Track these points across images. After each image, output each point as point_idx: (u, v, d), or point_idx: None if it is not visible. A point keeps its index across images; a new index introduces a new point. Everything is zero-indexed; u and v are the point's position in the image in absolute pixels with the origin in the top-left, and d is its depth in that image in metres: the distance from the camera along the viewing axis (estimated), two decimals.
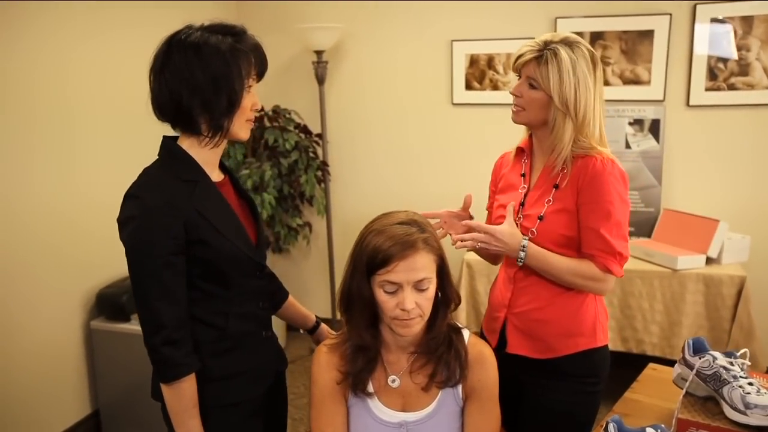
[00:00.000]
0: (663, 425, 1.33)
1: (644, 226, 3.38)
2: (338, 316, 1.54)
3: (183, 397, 1.43)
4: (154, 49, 1.46)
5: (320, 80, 3.77)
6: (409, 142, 3.87)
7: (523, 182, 1.77)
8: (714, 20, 3.19)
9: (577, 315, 1.70)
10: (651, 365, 1.91)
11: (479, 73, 3.64)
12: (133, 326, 2.88)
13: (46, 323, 2.81)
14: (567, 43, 1.61)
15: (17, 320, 2.69)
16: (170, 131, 1.52)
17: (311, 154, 3.80)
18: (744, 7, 3.13)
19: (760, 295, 3.14)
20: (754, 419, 1.41)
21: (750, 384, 1.46)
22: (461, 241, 1.65)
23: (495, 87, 3.63)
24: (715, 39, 3.21)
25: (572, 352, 1.69)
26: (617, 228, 1.62)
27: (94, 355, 3.01)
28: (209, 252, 1.45)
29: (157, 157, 1.51)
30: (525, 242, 1.64)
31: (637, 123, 3.37)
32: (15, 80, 2.61)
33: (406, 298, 1.36)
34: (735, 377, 1.48)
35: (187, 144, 1.49)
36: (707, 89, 3.27)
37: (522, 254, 1.64)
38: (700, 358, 1.54)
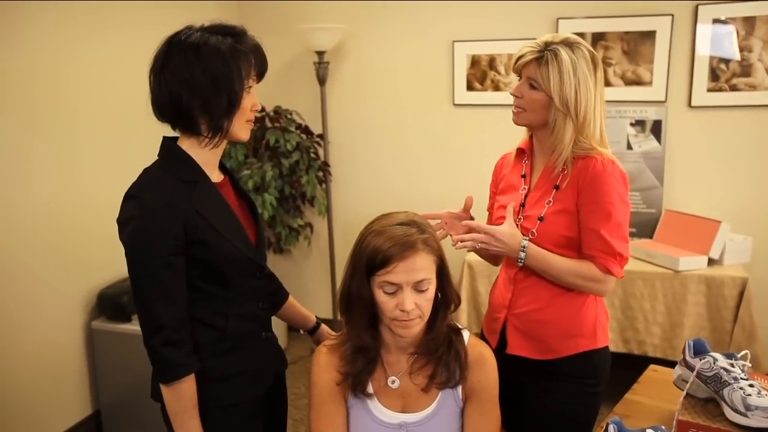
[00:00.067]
0: (663, 427, 1.32)
1: (646, 227, 3.38)
2: (339, 316, 1.54)
3: (182, 397, 1.43)
4: (154, 50, 1.46)
5: (321, 81, 3.77)
6: (410, 142, 3.86)
7: (523, 183, 1.77)
8: (716, 21, 3.19)
9: (578, 316, 1.70)
10: (652, 366, 1.91)
11: (480, 73, 3.64)
12: (134, 327, 2.87)
13: (47, 323, 2.82)
14: (567, 43, 1.61)
15: (18, 321, 2.69)
16: (170, 132, 1.52)
17: (312, 155, 3.81)
18: (746, 7, 3.12)
19: (762, 297, 3.14)
20: (754, 421, 1.41)
21: (751, 386, 1.46)
22: (461, 242, 1.64)
23: (496, 88, 3.63)
24: (717, 40, 3.21)
25: (573, 353, 1.69)
26: (617, 229, 1.62)
27: (95, 355, 3.01)
28: (209, 252, 1.45)
29: (157, 157, 1.51)
30: (525, 243, 1.64)
31: (639, 124, 3.37)
32: (15, 80, 2.62)
33: (406, 299, 1.36)
34: (736, 379, 1.47)
35: (187, 144, 1.49)
36: (709, 90, 3.27)
37: (522, 255, 1.64)
38: (700, 360, 1.54)
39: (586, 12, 3.38)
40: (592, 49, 1.65)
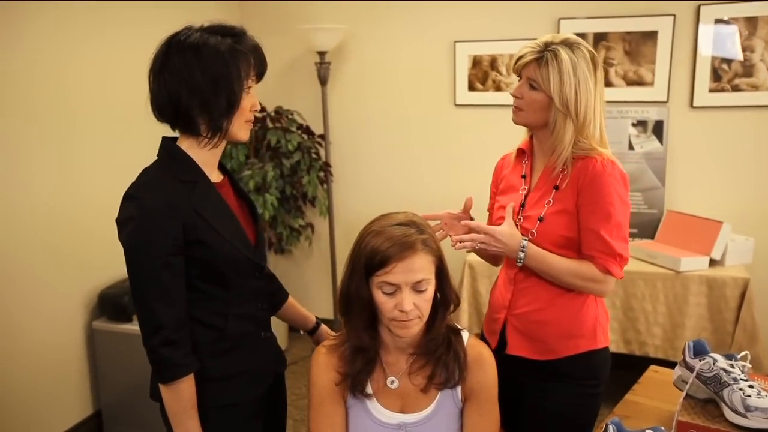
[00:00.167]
0: (663, 427, 1.32)
1: (647, 228, 3.37)
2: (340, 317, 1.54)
3: (181, 397, 1.43)
4: (154, 50, 1.46)
5: (323, 81, 3.77)
6: (411, 143, 3.86)
7: (523, 183, 1.77)
8: (718, 21, 3.18)
9: (578, 316, 1.69)
10: (652, 367, 1.90)
11: (482, 74, 3.64)
12: (135, 327, 2.87)
13: (47, 324, 2.82)
14: (567, 44, 1.61)
15: (19, 321, 2.69)
16: (170, 132, 1.52)
17: (314, 155, 3.81)
18: (748, 8, 3.12)
19: (764, 297, 3.13)
20: (754, 422, 1.40)
21: (750, 386, 1.45)
22: (460, 242, 1.64)
23: (498, 88, 3.62)
24: (719, 40, 3.20)
25: (572, 353, 1.69)
26: (617, 229, 1.61)
27: (96, 355, 3.01)
28: (208, 253, 1.45)
29: (157, 157, 1.51)
30: (524, 243, 1.64)
31: (641, 124, 3.36)
32: (15, 80, 2.62)
33: (405, 300, 1.36)
34: (735, 380, 1.47)
35: (187, 145, 1.49)
36: (711, 90, 3.26)
37: (521, 255, 1.64)
38: (700, 361, 1.54)
39: (588, 12, 3.38)
40: (592, 50, 1.64)
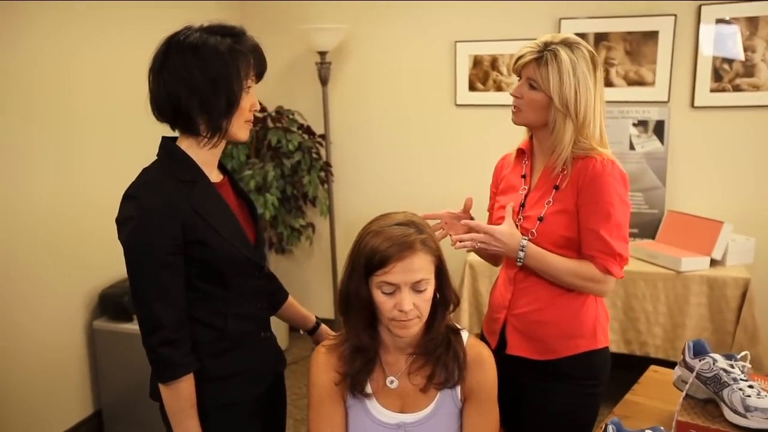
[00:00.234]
0: (662, 427, 1.32)
1: (648, 228, 3.37)
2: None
3: (181, 397, 1.43)
4: (154, 50, 1.46)
5: (323, 81, 3.77)
6: (412, 143, 3.86)
7: (523, 183, 1.77)
8: (719, 21, 3.17)
9: (578, 316, 1.69)
10: (652, 367, 1.90)
11: (483, 74, 3.64)
12: (136, 327, 2.83)
13: (48, 323, 2.82)
14: (567, 44, 1.61)
15: (19, 321, 2.69)
16: (170, 132, 1.52)
17: (314, 155, 3.80)
18: (749, 7, 3.11)
19: (765, 298, 3.12)
20: (754, 422, 1.40)
21: (750, 387, 1.45)
22: (460, 242, 1.64)
23: (498, 88, 3.62)
24: (720, 40, 3.19)
25: (572, 353, 1.69)
26: (617, 229, 1.61)
27: (97, 355, 3.01)
28: (207, 252, 1.45)
29: (156, 157, 1.51)
30: (524, 242, 1.63)
31: (642, 124, 3.36)
32: (15, 80, 2.62)
33: (404, 299, 1.36)
34: (735, 380, 1.47)
35: (186, 144, 1.49)
36: (712, 90, 3.25)
37: (521, 254, 1.63)
38: (700, 361, 1.53)
39: (589, 12, 3.37)
40: (591, 50, 1.64)
